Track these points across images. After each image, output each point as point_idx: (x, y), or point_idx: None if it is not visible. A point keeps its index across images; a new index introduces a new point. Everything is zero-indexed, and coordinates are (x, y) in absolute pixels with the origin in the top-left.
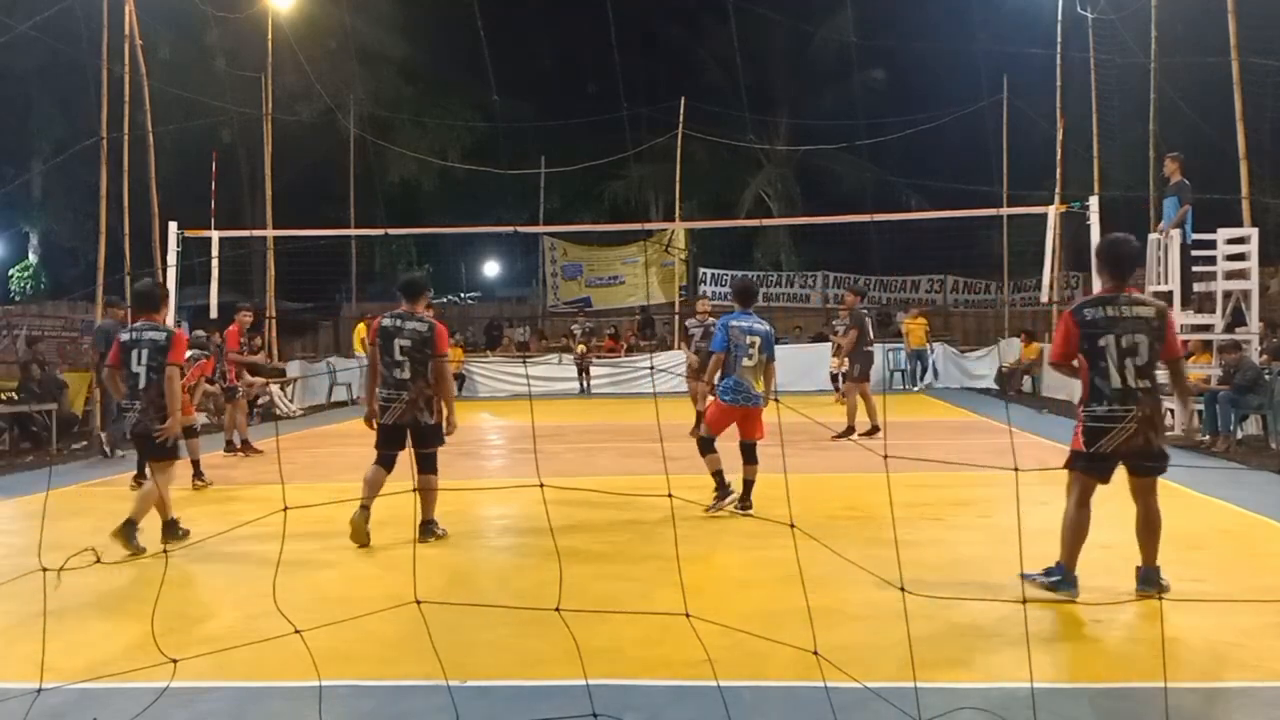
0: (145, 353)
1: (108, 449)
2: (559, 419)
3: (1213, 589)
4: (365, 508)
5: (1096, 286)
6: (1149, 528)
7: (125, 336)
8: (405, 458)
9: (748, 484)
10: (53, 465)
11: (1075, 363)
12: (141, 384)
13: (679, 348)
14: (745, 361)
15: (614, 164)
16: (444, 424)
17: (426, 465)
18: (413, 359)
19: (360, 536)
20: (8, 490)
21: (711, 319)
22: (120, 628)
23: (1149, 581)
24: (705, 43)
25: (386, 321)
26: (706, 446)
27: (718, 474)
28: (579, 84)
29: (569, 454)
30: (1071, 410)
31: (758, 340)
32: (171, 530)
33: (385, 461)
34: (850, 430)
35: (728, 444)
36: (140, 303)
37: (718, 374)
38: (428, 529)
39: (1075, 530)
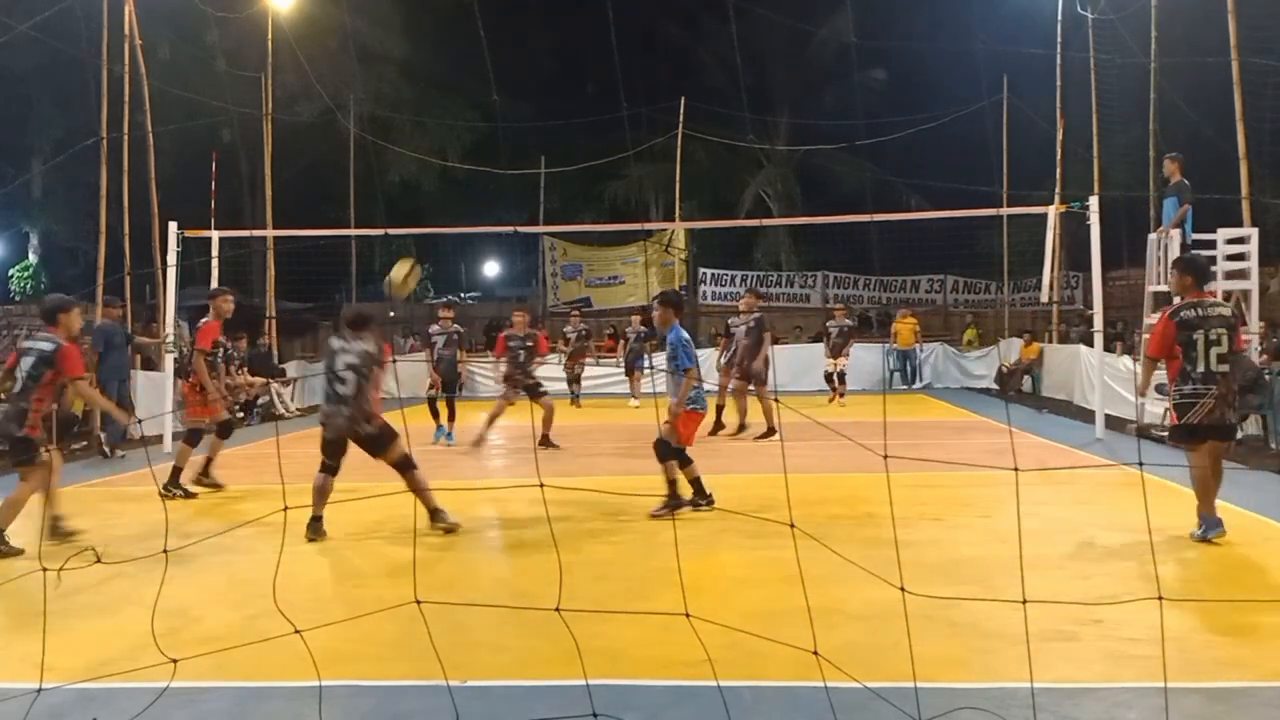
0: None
1: (107, 449)
2: (559, 419)
3: (1213, 589)
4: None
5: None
6: (1218, 482)
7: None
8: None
9: (695, 481)
10: (56, 465)
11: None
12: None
13: (719, 346)
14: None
15: (614, 164)
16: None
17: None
18: (357, 375)
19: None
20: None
21: (757, 314)
22: (120, 628)
23: (1210, 525)
24: (705, 43)
25: (333, 342)
26: (685, 460)
27: (696, 480)
28: (579, 84)
29: (569, 454)
30: (1070, 409)
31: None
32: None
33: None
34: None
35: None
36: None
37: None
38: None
39: (1202, 485)
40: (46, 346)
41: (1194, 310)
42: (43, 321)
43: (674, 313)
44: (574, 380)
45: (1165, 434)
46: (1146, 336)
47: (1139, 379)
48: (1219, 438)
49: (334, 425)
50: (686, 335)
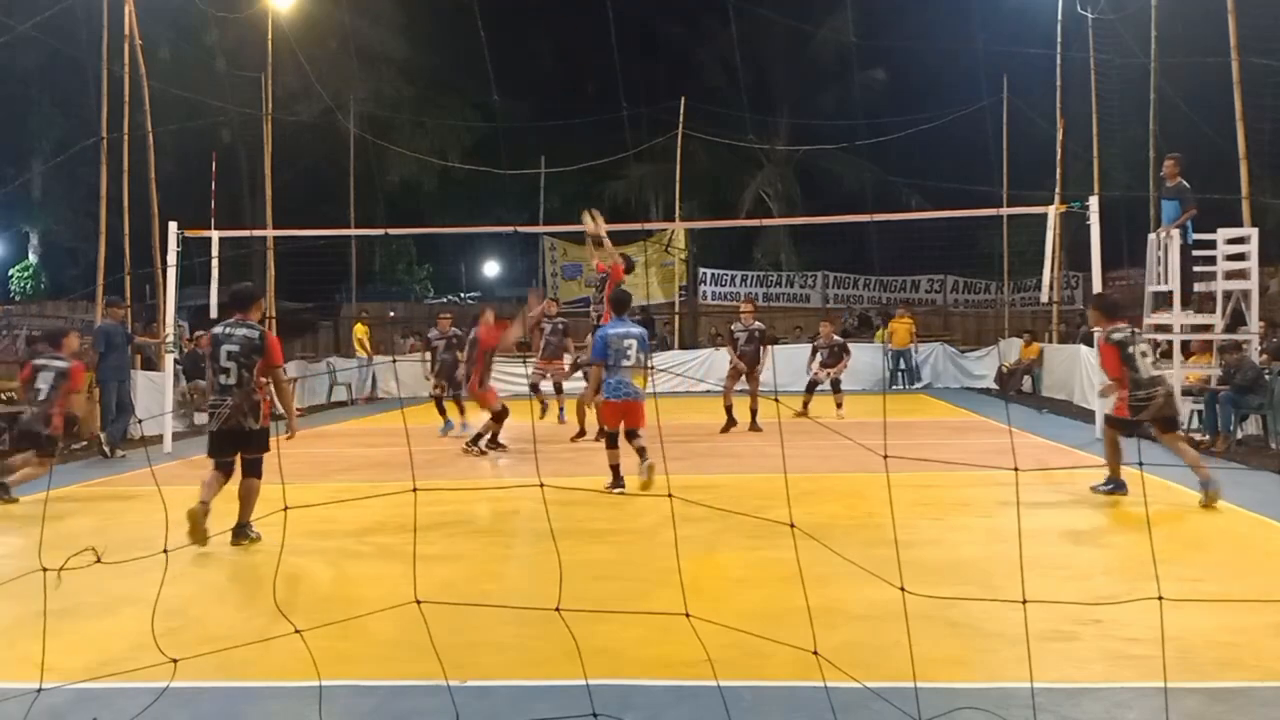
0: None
1: (107, 449)
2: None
3: (1213, 589)
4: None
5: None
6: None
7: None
8: (400, 458)
9: (614, 467)
10: (53, 465)
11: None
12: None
13: (723, 348)
14: (625, 363)
15: (614, 164)
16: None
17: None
18: (239, 365)
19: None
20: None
21: (758, 323)
22: (120, 628)
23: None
24: (705, 43)
25: (217, 330)
26: (610, 441)
27: (615, 467)
28: (579, 84)
29: (569, 454)
30: (1070, 409)
31: (634, 343)
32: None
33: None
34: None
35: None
36: (233, 302)
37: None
38: (242, 531)
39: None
40: (62, 365)
41: (1120, 331)
42: (48, 344)
43: (614, 310)
44: (535, 387)
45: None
46: (1102, 350)
47: (1107, 387)
48: (1166, 429)
49: (217, 417)
50: (615, 332)
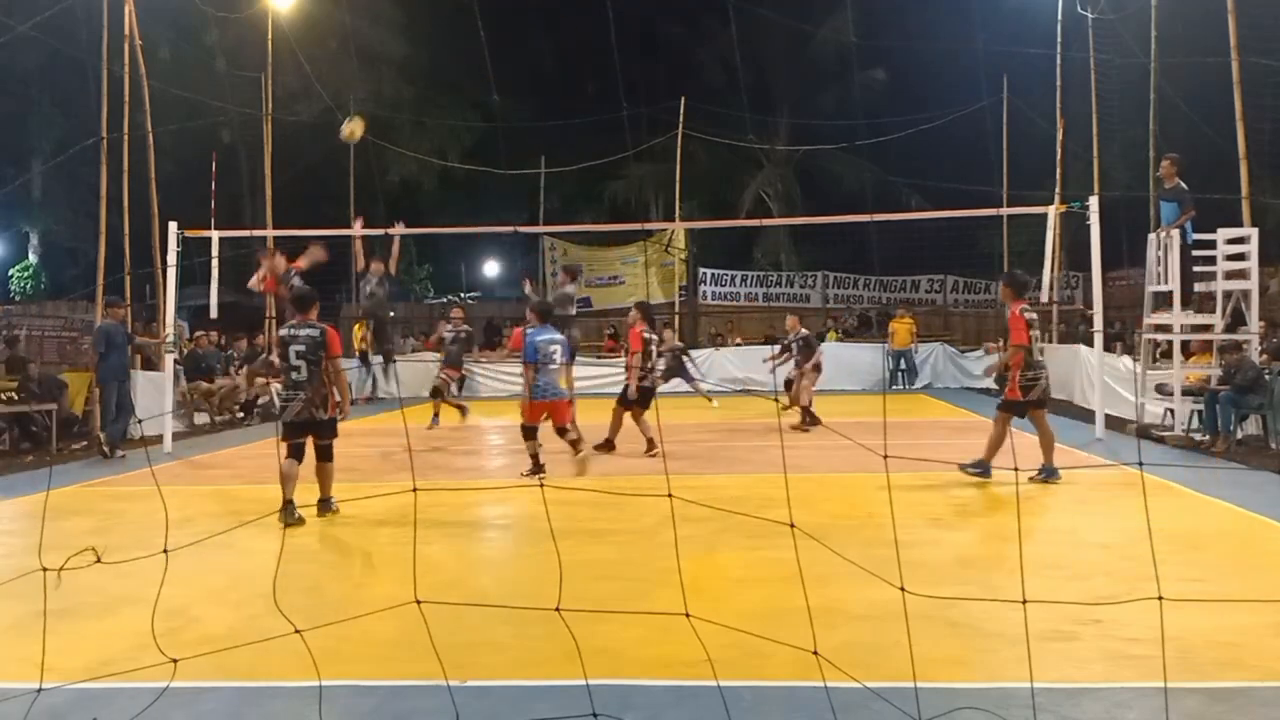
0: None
1: (107, 449)
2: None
3: (1213, 589)
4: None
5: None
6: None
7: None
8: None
9: (534, 455)
10: (53, 465)
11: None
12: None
13: (777, 359)
14: (551, 366)
15: (614, 164)
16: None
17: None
18: (308, 362)
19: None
20: (8, 490)
21: (805, 330)
22: (120, 628)
23: (1049, 473)
24: (705, 43)
25: (283, 332)
26: (529, 434)
27: (535, 455)
28: (579, 84)
29: (569, 454)
30: (1070, 409)
31: (558, 348)
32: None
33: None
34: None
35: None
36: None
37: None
38: (325, 505)
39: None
40: (314, 332)
41: (1029, 311)
42: (295, 310)
43: (537, 319)
44: (435, 393)
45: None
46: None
47: (994, 364)
48: (1041, 407)
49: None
50: (542, 338)
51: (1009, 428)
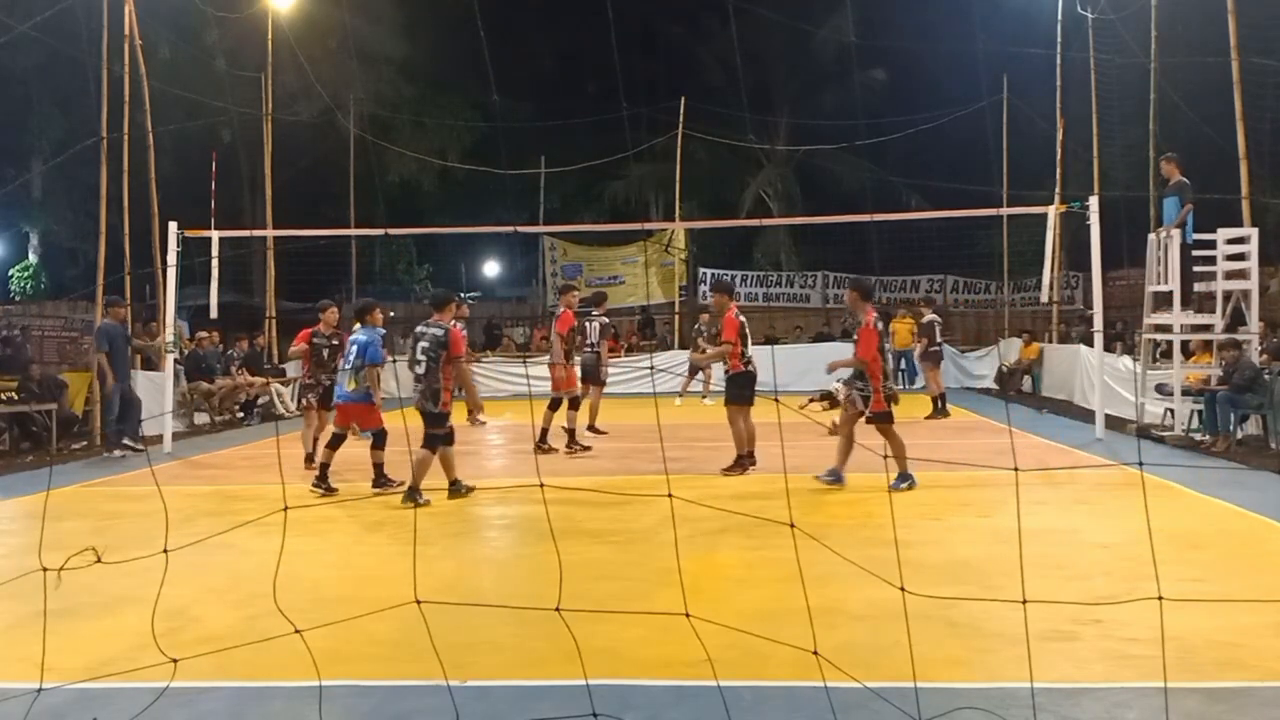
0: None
1: (129, 442)
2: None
3: (1213, 589)
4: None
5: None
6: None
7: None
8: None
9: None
10: (53, 465)
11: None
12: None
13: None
14: (346, 365)
15: (614, 164)
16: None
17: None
18: (429, 358)
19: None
20: (8, 490)
21: (932, 314)
22: (120, 628)
23: (903, 478)
24: (705, 43)
25: (418, 328)
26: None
27: (378, 465)
28: (579, 84)
29: (568, 454)
30: (1070, 409)
31: (353, 349)
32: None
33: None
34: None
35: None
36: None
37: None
38: (456, 488)
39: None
40: (439, 332)
41: (880, 320)
42: (432, 307)
43: (368, 316)
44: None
45: (869, 416)
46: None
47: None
48: (890, 420)
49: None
50: (372, 337)
51: (896, 435)
